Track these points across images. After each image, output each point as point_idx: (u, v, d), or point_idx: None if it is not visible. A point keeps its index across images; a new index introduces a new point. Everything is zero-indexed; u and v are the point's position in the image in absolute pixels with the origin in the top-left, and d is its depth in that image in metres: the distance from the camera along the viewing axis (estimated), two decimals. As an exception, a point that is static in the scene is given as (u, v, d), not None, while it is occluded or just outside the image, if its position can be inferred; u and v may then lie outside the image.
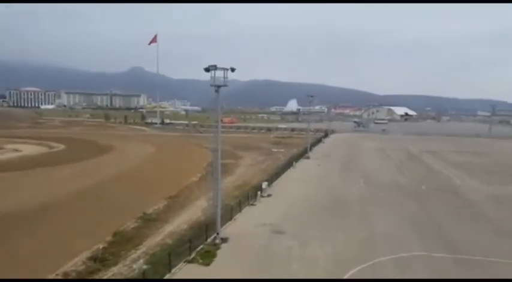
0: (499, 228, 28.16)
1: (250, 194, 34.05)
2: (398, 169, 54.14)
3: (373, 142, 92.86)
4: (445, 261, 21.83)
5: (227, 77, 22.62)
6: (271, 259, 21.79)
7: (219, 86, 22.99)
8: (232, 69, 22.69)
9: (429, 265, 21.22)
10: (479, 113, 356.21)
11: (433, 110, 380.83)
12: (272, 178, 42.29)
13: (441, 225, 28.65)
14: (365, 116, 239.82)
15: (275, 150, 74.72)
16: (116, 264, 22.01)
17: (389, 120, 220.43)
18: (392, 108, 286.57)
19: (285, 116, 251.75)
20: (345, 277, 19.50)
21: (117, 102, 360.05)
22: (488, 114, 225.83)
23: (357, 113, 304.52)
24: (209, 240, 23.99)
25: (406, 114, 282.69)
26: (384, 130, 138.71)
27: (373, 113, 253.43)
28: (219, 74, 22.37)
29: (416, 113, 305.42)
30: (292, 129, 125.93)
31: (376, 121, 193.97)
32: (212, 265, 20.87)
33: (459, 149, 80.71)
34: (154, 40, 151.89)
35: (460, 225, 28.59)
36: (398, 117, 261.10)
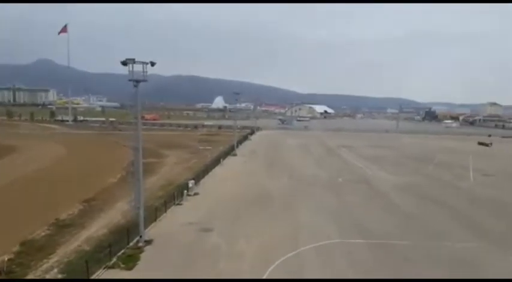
0: (404, 213, 31.39)
1: (176, 194, 33.25)
2: (318, 164, 57.31)
3: (296, 139, 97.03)
4: (359, 246, 23.70)
5: (147, 71, 21.68)
6: (198, 258, 21.56)
7: (138, 81, 21.95)
8: (152, 63, 21.76)
9: (346, 250, 22.88)
10: (389, 110, 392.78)
11: (348, 108, 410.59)
12: (199, 176, 41.82)
13: (355, 213, 31.02)
14: (289, 113, 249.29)
15: (202, 147, 73.96)
16: (24, 275, 19.87)
17: (310, 117, 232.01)
18: (313, 106, 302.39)
19: (211, 113, 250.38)
20: (271, 268, 20.09)
21: (22, 97, 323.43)
22: (396, 111, 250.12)
23: (282, 110, 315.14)
24: (131, 243, 22.92)
25: (325, 112, 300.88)
26: (305, 127, 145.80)
27: (296, 110, 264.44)
28: (138, 68, 21.37)
29: (334, 111, 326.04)
30: (219, 127, 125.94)
31: (298, 118, 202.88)
32: (135, 269, 19.98)
33: (371, 144, 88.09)
34: (64, 30, 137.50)
35: (371, 213, 31.24)
36: (319, 115, 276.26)
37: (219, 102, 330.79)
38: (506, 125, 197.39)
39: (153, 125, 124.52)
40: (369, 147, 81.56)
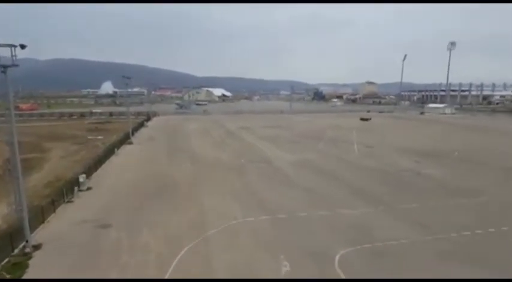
0: (302, 187, 33.68)
1: (65, 190, 29.89)
2: (219, 147, 57.64)
3: (196, 123, 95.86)
4: (264, 222, 24.68)
5: (16, 55, 18.61)
6: (97, 255, 19.88)
7: (5, 66, 18.77)
8: (22, 46, 18.79)
9: (251, 228, 23.60)
10: (282, 92, 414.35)
11: (246, 91, 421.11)
12: (91, 169, 38.33)
13: (258, 191, 32.17)
14: (186, 97, 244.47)
15: (91, 137, 67.79)
16: None
17: (209, 101, 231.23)
18: (210, 89, 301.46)
19: (100, 99, 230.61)
20: (179, 256, 19.62)
21: None
22: (289, 93, 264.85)
23: (178, 94, 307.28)
24: (17, 250, 20.08)
25: (224, 95, 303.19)
26: (205, 111, 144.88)
27: (193, 94, 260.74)
28: (6, 52, 18.29)
29: (232, 94, 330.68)
30: (110, 114, 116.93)
31: (197, 102, 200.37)
32: (24, 278, 17.60)
33: (268, 124, 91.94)
34: None
35: (273, 190, 32.76)
36: (217, 99, 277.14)
37: (107, 87, 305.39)
38: (382, 101, 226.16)
39: (31, 115, 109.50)
40: (267, 128, 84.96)
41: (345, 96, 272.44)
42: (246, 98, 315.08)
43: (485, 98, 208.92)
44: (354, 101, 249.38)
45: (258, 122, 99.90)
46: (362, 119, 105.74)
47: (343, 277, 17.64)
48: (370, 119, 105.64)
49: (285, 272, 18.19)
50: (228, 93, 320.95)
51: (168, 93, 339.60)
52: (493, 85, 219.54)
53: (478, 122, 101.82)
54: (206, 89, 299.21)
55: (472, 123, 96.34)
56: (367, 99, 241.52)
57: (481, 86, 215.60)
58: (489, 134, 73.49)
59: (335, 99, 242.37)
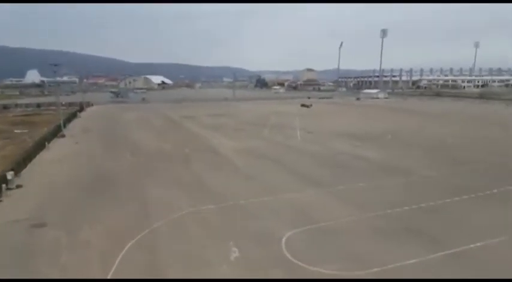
0: (246, 174, 34.04)
1: (-10, 190, 27.23)
2: (162, 137, 56.02)
3: (135, 112, 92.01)
4: (211, 211, 24.65)
5: None
6: (33, 256, 18.53)
7: None
8: None
9: (199, 218, 23.46)
10: (225, 79, 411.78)
11: (186, 78, 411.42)
12: (20, 165, 35.21)
13: (204, 181, 31.94)
14: (122, 85, 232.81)
15: (18, 131, 62.15)
16: None
17: (147, 89, 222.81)
18: (149, 77, 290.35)
19: (25, 89, 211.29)
20: (124, 250, 18.95)
21: None
22: (231, 80, 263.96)
23: (113, 82, 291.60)
24: None
25: (163, 82, 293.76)
26: (143, 99, 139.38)
27: (130, 82, 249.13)
28: None
29: (172, 81, 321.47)
30: (38, 105, 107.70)
31: (135, 90, 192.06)
32: None
33: (212, 113, 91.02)
34: None
35: (218, 178, 32.73)
36: (156, 86, 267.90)
37: (33, 76, 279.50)
38: (322, 87, 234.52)
39: None
40: (210, 116, 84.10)
41: (286, 83, 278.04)
42: (188, 86, 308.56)
43: (414, 82, 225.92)
44: (295, 87, 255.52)
45: (202, 110, 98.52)
46: (303, 106, 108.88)
47: (290, 258, 18.29)
48: (311, 105, 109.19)
49: (234, 258, 18.41)
50: (168, 81, 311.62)
51: (102, 81, 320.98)
52: (421, 70, 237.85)
53: (409, 105, 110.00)
54: (144, 76, 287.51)
55: (403, 107, 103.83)
56: (307, 86, 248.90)
57: (410, 72, 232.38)
58: (418, 117, 79.77)
59: (277, 86, 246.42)
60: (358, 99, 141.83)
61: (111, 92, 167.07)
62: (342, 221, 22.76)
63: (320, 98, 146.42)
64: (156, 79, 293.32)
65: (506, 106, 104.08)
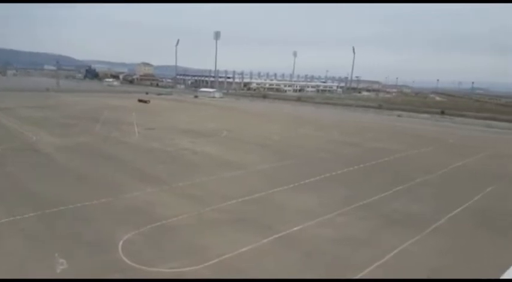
0: (76, 175, 30.60)
1: None
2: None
3: None
4: (32, 220, 21.14)
5: None
6: None
7: None
8: None
9: (17, 229, 19.80)
10: (46, 67, 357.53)
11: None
12: None
13: (21, 185, 27.21)
14: None
15: None
16: None
17: None
18: None
19: None
20: None
21: None
22: (54, 68, 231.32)
23: None
24: None
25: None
26: None
27: None
28: None
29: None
30: None
31: None
32: None
33: (31, 105, 78.29)
34: None
35: (41, 181, 28.43)
36: None
37: None
38: (160, 83, 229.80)
39: None
40: (29, 108, 72.01)
41: (121, 76, 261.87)
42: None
43: (245, 84, 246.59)
44: (131, 81, 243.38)
45: (18, 101, 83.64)
46: (140, 101, 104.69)
47: (127, 262, 17.37)
48: (149, 101, 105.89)
49: (60, 270, 16.28)
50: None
51: None
52: (251, 73, 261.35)
53: (241, 105, 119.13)
54: None
55: (236, 106, 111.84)
56: (145, 81, 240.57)
57: (242, 74, 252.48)
58: (249, 116, 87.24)
59: (110, 79, 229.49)
60: (196, 97, 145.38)
61: None
62: (182, 217, 22.95)
63: (158, 94, 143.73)
64: None
65: (315, 109, 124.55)
